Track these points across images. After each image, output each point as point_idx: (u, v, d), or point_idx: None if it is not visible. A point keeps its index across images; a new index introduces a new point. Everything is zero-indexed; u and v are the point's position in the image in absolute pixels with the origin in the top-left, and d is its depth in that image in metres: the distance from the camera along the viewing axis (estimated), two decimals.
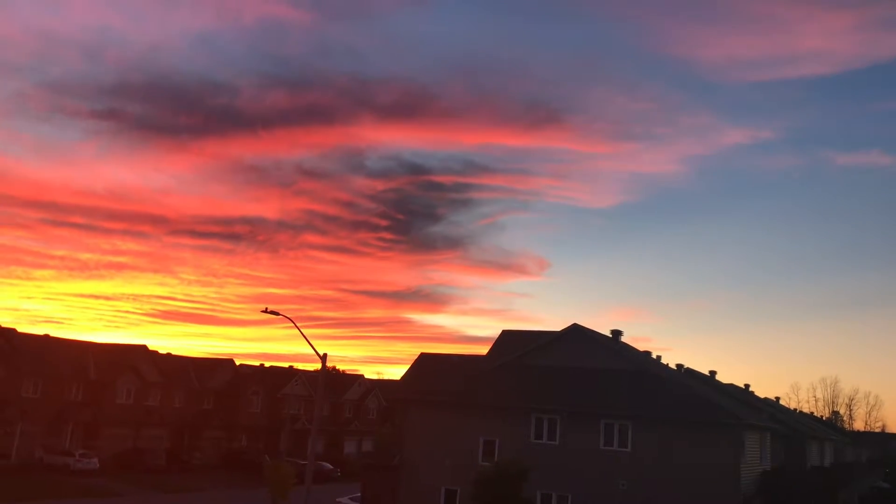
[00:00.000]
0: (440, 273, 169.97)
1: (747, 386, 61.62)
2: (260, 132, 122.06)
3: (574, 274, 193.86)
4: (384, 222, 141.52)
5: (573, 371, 33.55)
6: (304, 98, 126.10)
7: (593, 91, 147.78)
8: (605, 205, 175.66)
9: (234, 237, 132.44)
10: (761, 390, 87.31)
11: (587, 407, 31.00)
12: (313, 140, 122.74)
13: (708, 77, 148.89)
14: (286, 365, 76.11)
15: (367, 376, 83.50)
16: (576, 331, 34.71)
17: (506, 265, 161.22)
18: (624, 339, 37.33)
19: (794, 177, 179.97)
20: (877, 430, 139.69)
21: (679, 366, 47.62)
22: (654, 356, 44.22)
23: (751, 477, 30.34)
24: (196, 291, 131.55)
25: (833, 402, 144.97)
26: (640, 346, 44.52)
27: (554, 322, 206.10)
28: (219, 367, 66.88)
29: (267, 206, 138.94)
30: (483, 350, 40.60)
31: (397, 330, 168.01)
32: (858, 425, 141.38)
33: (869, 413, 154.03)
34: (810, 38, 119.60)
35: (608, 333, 36.67)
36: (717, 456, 28.18)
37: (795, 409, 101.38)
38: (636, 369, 33.44)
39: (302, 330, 27.94)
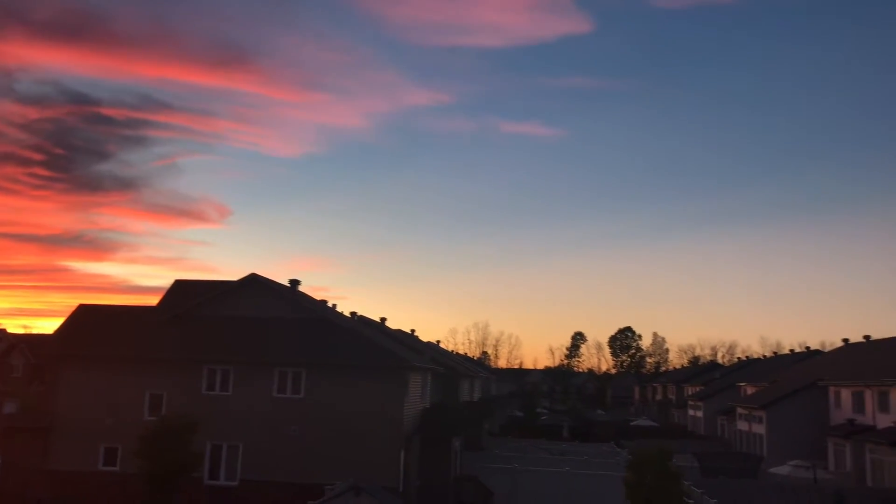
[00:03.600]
0: (107, 217, 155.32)
1: (413, 331, 66.68)
2: None
3: (256, 222, 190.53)
4: (38, 156, 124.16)
5: (249, 321, 33.27)
6: None
7: (285, 36, 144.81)
8: (291, 154, 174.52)
9: None
10: (425, 335, 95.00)
11: (261, 356, 31.09)
12: None
13: (395, 35, 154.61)
14: None
15: (10, 331, 74.69)
16: (253, 280, 34.36)
17: (183, 211, 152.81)
18: (303, 288, 37.93)
19: (466, 140, 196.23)
20: (516, 367, 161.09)
21: (353, 313, 49.76)
22: (330, 305, 45.61)
23: (413, 414, 33.10)
24: None
25: (483, 344, 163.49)
26: (319, 296, 45.61)
27: (233, 272, 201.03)
28: None
29: None
30: (154, 301, 38.26)
31: (52, 279, 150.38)
32: (502, 363, 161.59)
33: (510, 352, 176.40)
34: (487, 11, 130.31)
35: (287, 283, 36.92)
36: (385, 397, 30.23)
37: (453, 351, 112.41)
38: (312, 318, 34.23)
39: None
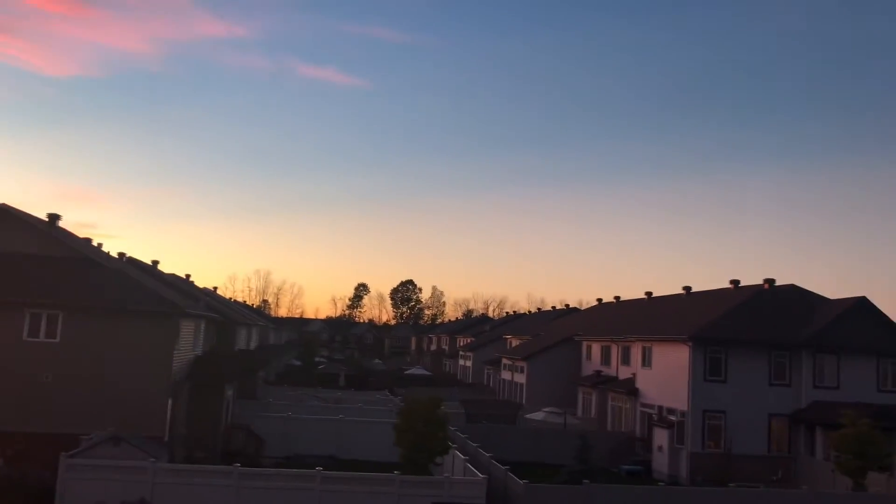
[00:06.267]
0: None
1: (188, 276, 63.61)
2: None
3: (13, 147, 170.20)
4: None
5: None
6: None
7: None
8: (60, 73, 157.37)
9: None
10: (202, 280, 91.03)
11: (9, 295, 28.06)
12: None
13: None
14: None
15: None
16: (3, 212, 30.69)
17: None
18: (65, 224, 34.58)
19: (262, 78, 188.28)
20: (297, 316, 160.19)
21: (121, 254, 46.39)
22: (96, 244, 42.10)
23: (184, 361, 31.80)
24: None
25: (264, 292, 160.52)
26: (85, 233, 42.01)
27: None
28: None
29: None
30: None
31: None
32: (283, 312, 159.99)
33: (292, 301, 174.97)
34: None
35: (46, 217, 33.46)
36: (153, 343, 28.66)
37: (231, 299, 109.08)
38: (72, 257, 31.40)
39: None
